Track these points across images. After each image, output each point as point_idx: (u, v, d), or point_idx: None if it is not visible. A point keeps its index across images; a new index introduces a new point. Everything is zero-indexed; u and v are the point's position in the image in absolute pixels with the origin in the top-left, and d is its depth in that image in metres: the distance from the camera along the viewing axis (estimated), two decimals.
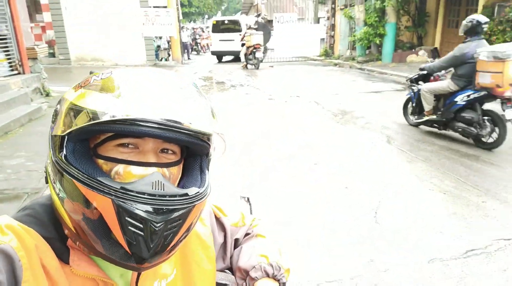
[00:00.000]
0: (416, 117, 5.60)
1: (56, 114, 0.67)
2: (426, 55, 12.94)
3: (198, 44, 23.88)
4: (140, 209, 0.59)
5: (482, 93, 4.56)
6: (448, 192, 3.52)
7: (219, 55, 18.11)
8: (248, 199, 1.24)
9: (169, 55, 16.79)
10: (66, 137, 0.64)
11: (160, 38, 16.33)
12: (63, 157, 0.63)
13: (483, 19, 4.84)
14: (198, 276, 0.85)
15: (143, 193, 0.60)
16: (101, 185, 0.59)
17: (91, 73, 0.70)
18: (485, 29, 4.88)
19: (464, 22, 4.89)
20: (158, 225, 0.60)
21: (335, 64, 15.20)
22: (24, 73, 7.10)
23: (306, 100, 8.10)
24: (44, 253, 0.64)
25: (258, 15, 17.52)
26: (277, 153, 4.78)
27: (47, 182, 0.69)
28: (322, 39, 17.94)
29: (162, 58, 16.53)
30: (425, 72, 5.42)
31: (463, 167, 4.12)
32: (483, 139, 4.69)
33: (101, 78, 0.65)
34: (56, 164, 0.64)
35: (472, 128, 4.69)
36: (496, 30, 9.50)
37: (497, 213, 3.12)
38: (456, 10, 12.01)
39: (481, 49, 4.50)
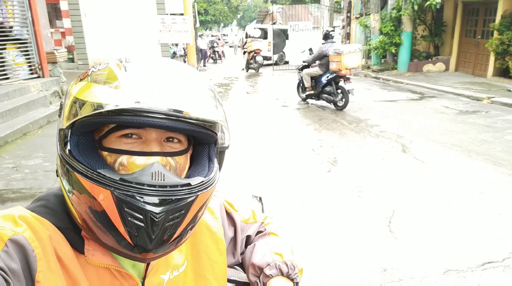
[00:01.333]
0: (302, 93, 8.58)
1: (61, 108, 0.68)
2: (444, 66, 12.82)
3: (216, 53, 23.15)
4: (139, 200, 0.59)
5: (334, 74, 7.53)
6: (467, 204, 3.45)
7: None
8: (260, 198, 1.24)
9: (184, 61, 16.98)
10: (70, 130, 0.64)
11: (177, 45, 16.53)
12: (67, 151, 0.63)
13: (330, 29, 8.64)
14: (208, 268, 0.85)
15: (143, 184, 0.59)
16: (100, 177, 0.59)
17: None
18: (333, 35, 8.05)
19: (323, 32, 8.25)
20: (159, 216, 0.59)
21: None
22: (43, 76, 7.27)
23: (320, 108, 8.07)
24: (58, 243, 0.65)
25: (274, 23, 17.62)
26: (289, 159, 4.77)
27: (58, 176, 0.69)
28: None
29: None
30: (306, 63, 8.31)
31: None
32: (338, 104, 7.71)
33: (98, 69, 0.66)
34: (61, 158, 0.64)
35: (331, 97, 7.72)
36: None
37: None
38: (474, 20, 11.87)
39: (331, 48, 7.46)
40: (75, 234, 0.68)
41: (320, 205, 3.48)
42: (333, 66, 7.38)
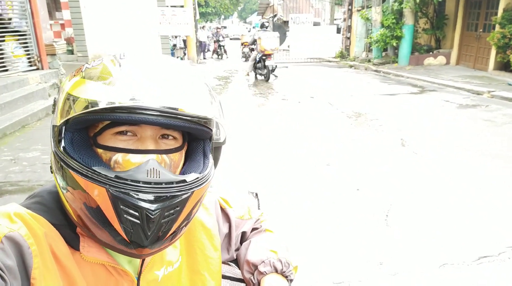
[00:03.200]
0: (254, 70, 11.28)
1: (54, 104, 0.68)
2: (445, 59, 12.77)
3: (222, 47, 20.41)
4: (135, 198, 0.59)
5: (261, 54, 10.58)
6: (464, 198, 3.46)
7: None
8: (256, 194, 1.24)
9: (184, 54, 16.92)
10: (64, 127, 0.64)
11: (176, 37, 16.46)
12: (61, 148, 0.63)
13: (265, 21, 12.36)
14: (203, 264, 0.85)
15: (138, 181, 0.59)
16: (95, 174, 0.59)
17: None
18: (267, 25, 11.59)
19: (261, 22, 12.02)
20: (154, 213, 0.59)
21: (351, 66, 15.08)
22: (42, 68, 7.25)
23: (320, 101, 8.06)
24: (53, 240, 0.65)
25: (274, 16, 17.53)
26: (289, 153, 4.77)
27: (52, 172, 0.69)
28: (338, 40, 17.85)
29: (178, 57, 16.66)
30: (252, 46, 12.18)
31: None
32: (264, 77, 10.76)
33: (93, 66, 0.65)
34: (56, 154, 0.64)
35: (261, 71, 10.88)
36: None
37: (510, 220, 3.05)
38: (476, 13, 11.78)
39: (257, 34, 10.67)
40: (70, 231, 0.68)
41: (317, 200, 3.49)
42: (259, 48, 10.59)
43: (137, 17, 13.97)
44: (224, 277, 0.98)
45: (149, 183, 0.60)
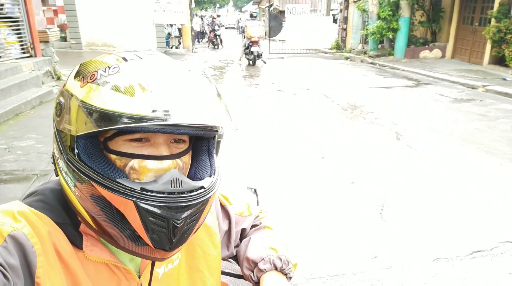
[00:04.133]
0: (246, 55, 12.27)
1: (60, 107, 0.64)
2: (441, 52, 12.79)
3: (218, 37, 19.45)
4: (162, 208, 0.60)
5: (249, 41, 11.81)
6: (457, 192, 3.50)
7: None
8: (255, 190, 1.24)
9: (179, 43, 16.75)
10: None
11: (171, 25, 16.27)
12: (76, 156, 0.62)
13: (253, 10, 18.12)
14: (202, 261, 0.86)
15: (163, 192, 0.61)
16: (121, 187, 0.60)
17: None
18: (255, 15, 13.09)
19: (250, 13, 13.85)
20: (180, 222, 0.62)
21: (347, 58, 15.06)
22: (35, 56, 7.15)
23: (315, 93, 8.06)
24: (57, 238, 0.65)
25: (270, 6, 17.37)
26: (284, 146, 4.78)
27: (57, 175, 0.68)
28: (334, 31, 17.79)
29: (172, 46, 16.49)
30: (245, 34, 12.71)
31: None
32: (251, 62, 12.04)
33: (109, 74, 0.61)
34: (69, 162, 0.63)
35: (249, 56, 12.04)
36: (511, 28, 9.30)
37: (504, 215, 3.09)
38: (472, 7, 11.78)
39: (245, 23, 12.79)
40: (73, 230, 0.68)
41: (312, 194, 3.50)
42: (246, 35, 11.98)
43: (131, 5, 13.78)
44: (223, 273, 0.99)
45: (173, 193, 0.61)
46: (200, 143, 0.77)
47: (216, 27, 19.29)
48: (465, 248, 2.66)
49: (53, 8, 14.95)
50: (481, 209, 3.19)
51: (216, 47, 19.46)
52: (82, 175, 0.61)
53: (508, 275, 2.40)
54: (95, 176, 0.60)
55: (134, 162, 0.64)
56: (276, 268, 0.89)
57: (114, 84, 0.59)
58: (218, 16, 18.99)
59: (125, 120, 0.56)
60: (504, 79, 8.79)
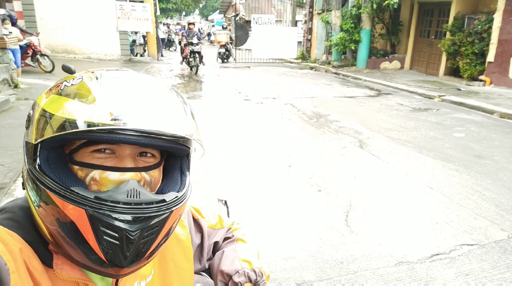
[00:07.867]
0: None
1: (29, 119, 0.65)
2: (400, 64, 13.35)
3: (196, 55, 12.20)
4: (115, 219, 0.58)
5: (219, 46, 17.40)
6: (418, 198, 3.65)
7: None
8: (225, 202, 1.25)
9: (144, 50, 16.51)
10: (39, 144, 0.62)
11: (136, 33, 16.03)
12: (36, 166, 0.61)
13: (225, 24, 21.16)
14: (175, 276, 0.85)
15: (118, 202, 0.59)
16: (74, 195, 0.58)
17: (64, 67, 0.69)
18: (225, 26, 19.71)
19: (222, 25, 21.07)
20: (134, 234, 0.59)
21: (311, 68, 15.40)
22: None
23: (282, 102, 8.17)
24: (28, 257, 0.63)
25: (236, 15, 17.54)
26: (251, 155, 4.80)
27: (24, 188, 0.67)
28: (299, 42, 18.16)
29: (137, 54, 16.23)
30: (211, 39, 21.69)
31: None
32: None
33: (72, 84, 0.63)
34: (30, 172, 0.62)
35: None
36: (465, 42, 9.87)
37: (460, 219, 3.26)
38: (428, 21, 12.42)
39: (214, 31, 25.93)
40: (43, 248, 0.66)
41: (280, 201, 3.54)
42: (215, 40, 16.51)
43: (93, 11, 13.48)
44: None
45: (129, 204, 0.59)
46: (173, 160, 0.77)
47: (195, 40, 12.39)
48: (425, 251, 2.78)
49: None
50: (440, 213, 3.35)
51: (193, 69, 12.55)
52: (39, 184, 0.60)
53: (465, 276, 2.52)
54: (50, 183, 0.59)
55: (96, 173, 0.63)
56: (250, 281, 0.90)
57: (72, 92, 0.61)
58: (193, 24, 13.24)
59: (80, 126, 0.57)
60: (459, 89, 9.30)
